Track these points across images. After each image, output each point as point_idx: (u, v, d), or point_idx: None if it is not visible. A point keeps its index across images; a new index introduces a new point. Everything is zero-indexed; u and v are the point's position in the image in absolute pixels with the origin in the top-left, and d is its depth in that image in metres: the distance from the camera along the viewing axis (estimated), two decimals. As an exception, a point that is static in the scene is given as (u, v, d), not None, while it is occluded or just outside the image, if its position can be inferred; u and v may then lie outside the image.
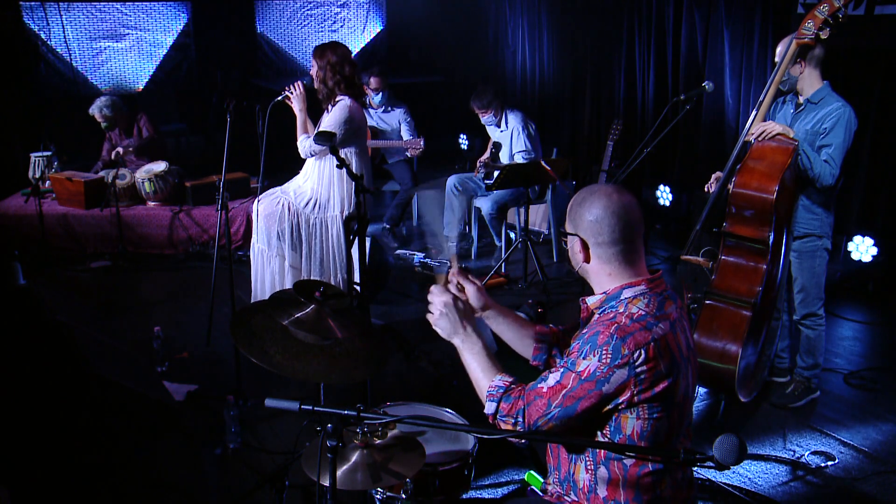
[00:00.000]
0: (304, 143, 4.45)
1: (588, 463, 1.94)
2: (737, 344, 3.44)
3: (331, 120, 4.34)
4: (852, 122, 3.39)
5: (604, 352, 1.80)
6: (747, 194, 3.41)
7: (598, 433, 1.89)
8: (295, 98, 4.46)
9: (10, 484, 3.17)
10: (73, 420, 3.02)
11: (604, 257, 1.95)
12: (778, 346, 3.93)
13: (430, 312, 2.10)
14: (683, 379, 1.87)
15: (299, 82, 4.47)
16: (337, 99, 4.37)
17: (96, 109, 6.21)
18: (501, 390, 1.92)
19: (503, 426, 1.90)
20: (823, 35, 3.29)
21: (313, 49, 4.51)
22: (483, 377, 1.97)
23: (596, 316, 1.95)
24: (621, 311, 1.89)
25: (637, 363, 1.78)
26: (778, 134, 3.41)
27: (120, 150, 6.18)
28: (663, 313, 1.88)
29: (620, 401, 1.82)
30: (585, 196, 1.97)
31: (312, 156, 4.50)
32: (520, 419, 1.88)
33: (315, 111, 4.60)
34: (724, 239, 3.54)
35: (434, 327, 2.09)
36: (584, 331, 1.90)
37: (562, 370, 1.86)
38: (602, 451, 1.91)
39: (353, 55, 4.49)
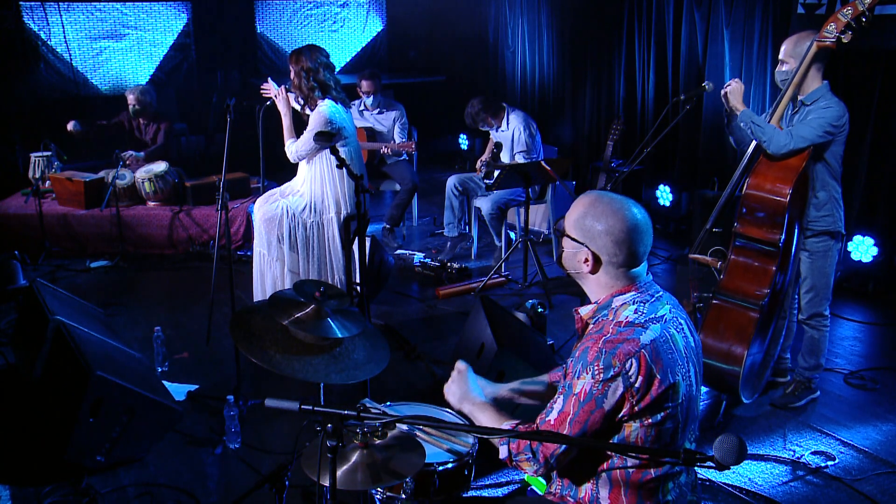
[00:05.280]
0: (291, 148, 4.44)
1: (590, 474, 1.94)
2: (743, 345, 3.44)
3: (310, 126, 4.34)
4: (833, 120, 3.33)
5: (595, 368, 1.80)
6: (760, 196, 3.40)
7: None
8: (279, 102, 4.44)
9: (10, 483, 3.17)
10: (73, 420, 3.01)
11: (612, 273, 1.93)
12: (780, 346, 3.93)
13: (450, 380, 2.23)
14: (684, 379, 1.86)
15: (283, 87, 4.46)
16: (317, 103, 4.36)
17: (137, 91, 6.39)
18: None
19: (521, 465, 1.95)
20: (845, 39, 3.23)
21: (289, 53, 4.48)
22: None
23: (590, 326, 1.95)
24: (610, 319, 1.89)
25: (630, 373, 1.78)
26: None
27: (131, 154, 6.27)
28: (654, 316, 1.88)
29: (623, 412, 1.82)
30: (604, 210, 1.90)
31: (301, 160, 4.48)
32: (532, 455, 1.91)
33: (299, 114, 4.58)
34: (734, 239, 3.53)
35: (446, 394, 2.22)
36: (578, 347, 1.92)
37: (562, 396, 1.87)
38: (605, 461, 1.91)
39: (329, 57, 4.43)
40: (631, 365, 1.78)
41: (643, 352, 1.79)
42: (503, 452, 1.96)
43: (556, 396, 1.89)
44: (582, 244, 1.93)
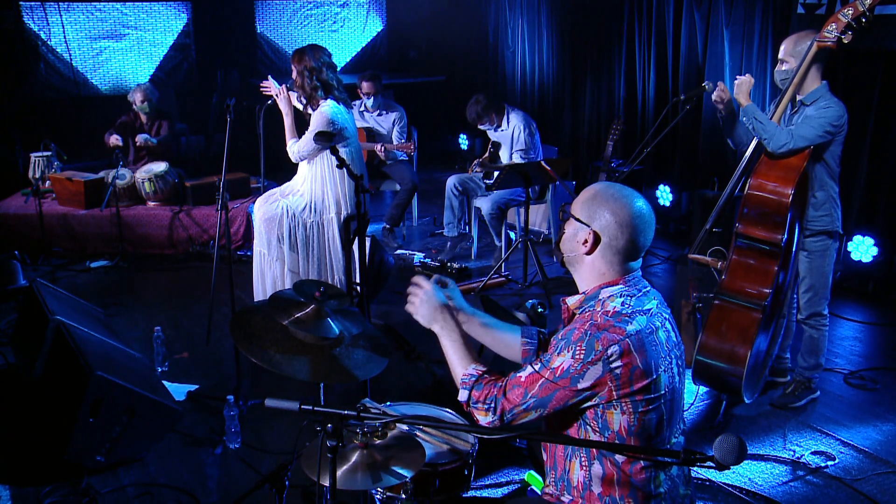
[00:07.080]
0: (293, 148, 4.43)
1: (582, 459, 1.95)
2: (746, 346, 3.44)
3: (312, 126, 4.34)
4: (833, 120, 3.33)
5: (577, 348, 1.83)
6: (762, 196, 3.39)
7: (589, 430, 1.90)
8: (281, 101, 4.44)
9: (10, 483, 3.17)
10: (73, 420, 3.01)
11: (608, 258, 1.96)
12: (779, 345, 3.93)
13: (409, 302, 2.15)
14: (666, 371, 1.89)
15: (284, 86, 4.46)
16: (319, 103, 4.36)
17: (147, 92, 6.39)
18: (474, 378, 1.97)
19: (476, 413, 1.95)
20: (846, 39, 3.22)
21: (292, 52, 4.47)
22: (458, 365, 2.03)
23: (576, 316, 1.98)
24: (598, 309, 1.92)
25: (611, 359, 1.81)
26: None
27: (140, 139, 6.30)
28: (640, 309, 1.90)
29: (600, 397, 1.84)
30: (614, 194, 1.95)
31: (302, 160, 4.48)
32: (492, 406, 1.91)
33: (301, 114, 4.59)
34: (736, 239, 3.53)
35: (414, 315, 2.14)
36: (562, 330, 1.94)
37: (539, 364, 1.89)
38: (575, 429, 1.93)
39: (331, 56, 4.44)
40: (613, 351, 1.81)
41: (627, 340, 1.82)
42: (462, 396, 1.97)
43: (534, 362, 1.91)
44: (585, 224, 1.96)
